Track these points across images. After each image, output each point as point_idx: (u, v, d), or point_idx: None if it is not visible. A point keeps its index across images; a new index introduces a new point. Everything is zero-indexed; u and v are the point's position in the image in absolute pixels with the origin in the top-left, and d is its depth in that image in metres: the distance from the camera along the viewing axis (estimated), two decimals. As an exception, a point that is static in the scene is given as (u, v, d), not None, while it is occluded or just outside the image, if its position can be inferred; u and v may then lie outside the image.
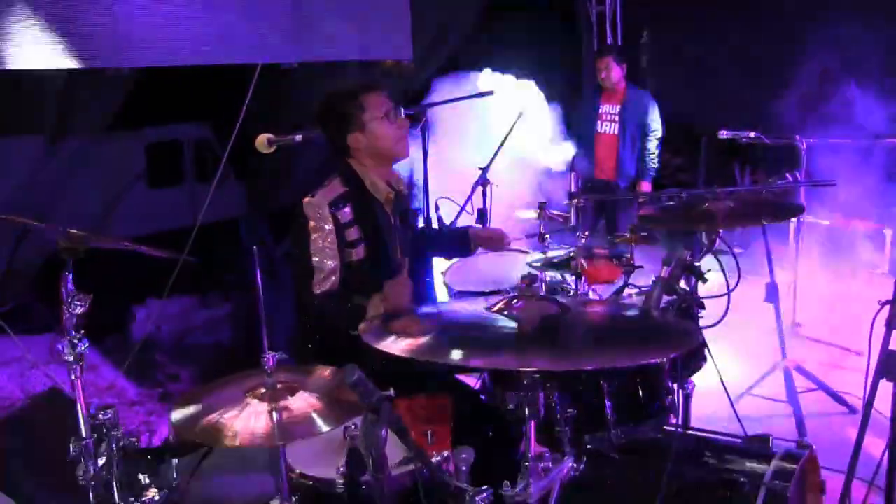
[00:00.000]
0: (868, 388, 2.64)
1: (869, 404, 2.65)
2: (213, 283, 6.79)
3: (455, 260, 4.13)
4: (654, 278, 2.61)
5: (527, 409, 2.09)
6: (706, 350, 2.87)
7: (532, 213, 4.03)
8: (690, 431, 2.82)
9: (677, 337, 2.19)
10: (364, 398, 1.56)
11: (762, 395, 4.62)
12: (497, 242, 3.56)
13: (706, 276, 2.72)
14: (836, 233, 7.34)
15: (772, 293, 4.43)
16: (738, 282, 2.85)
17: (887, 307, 2.70)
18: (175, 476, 2.37)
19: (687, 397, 3.17)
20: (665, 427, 2.63)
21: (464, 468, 2.12)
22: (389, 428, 1.58)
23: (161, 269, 5.15)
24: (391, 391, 1.62)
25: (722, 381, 2.92)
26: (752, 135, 5.41)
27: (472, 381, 3.30)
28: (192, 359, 5.90)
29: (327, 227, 2.92)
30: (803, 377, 4.66)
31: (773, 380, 4.58)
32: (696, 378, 2.96)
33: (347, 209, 2.97)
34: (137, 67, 4.60)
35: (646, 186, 6.42)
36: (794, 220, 7.10)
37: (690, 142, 8.11)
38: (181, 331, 6.36)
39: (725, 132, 5.41)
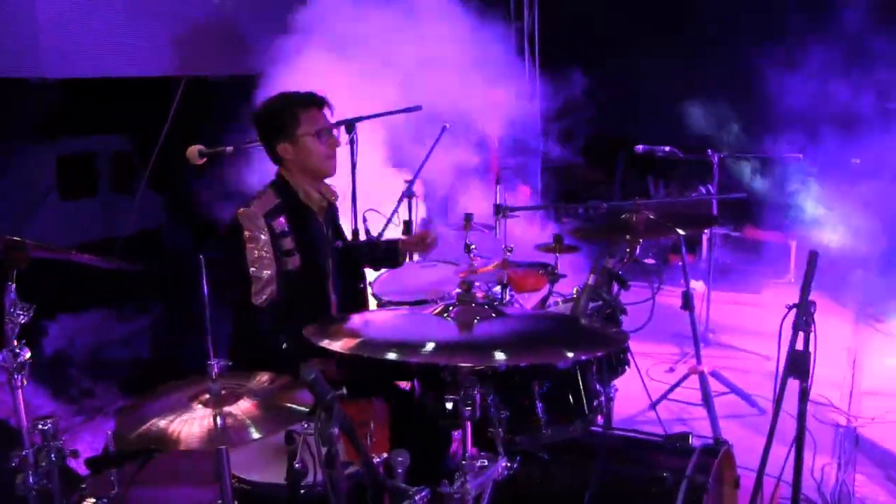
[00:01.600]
0: (777, 387, 2.80)
1: (778, 402, 2.82)
2: (131, 295, 6.68)
3: (383, 271, 4.22)
4: (577, 287, 2.74)
5: (463, 410, 2.19)
6: (629, 355, 3.02)
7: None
8: (616, 431, 2.97)
9: (602, 340, 2.32)
10: (319, 396, 1.63)
11: (679, 400, 4.83)
12: (425, 243, 3.66)
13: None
14: (746, 243, 7.70)
15: (688, 301, 4.62)
16: (658, 289, 3.00)
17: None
18: (114, 485, 2.38)
19: (609, 400, 3.34)
20: (592, 427, 2.75)
21: (399, 470, 2.21)
22: (340, 427, 1.65)
23: (75, 280, 5.05)
24: (343, 390, 1.69)
25: (645, 385, 3.07)
26: (666, 149, 5.65)
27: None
28: (109, 373, 5.80)
29: (263, 237, 2.97)
30: (717, 381, 4.91)
31: (690, 384, 4.78)
32: (619, 382, 3.09)
33: (282, 219, 3.03)
34: (60, 78, 4.55)
35: None
36: (707, 231, 7.43)
37: (611, 155, 8.36)
38: (96, 345, 6.24)
39: (641, 147, 5.62)
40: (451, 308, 2.21)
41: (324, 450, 1.64)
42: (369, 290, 4.08)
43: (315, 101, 3.16)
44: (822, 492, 3.90)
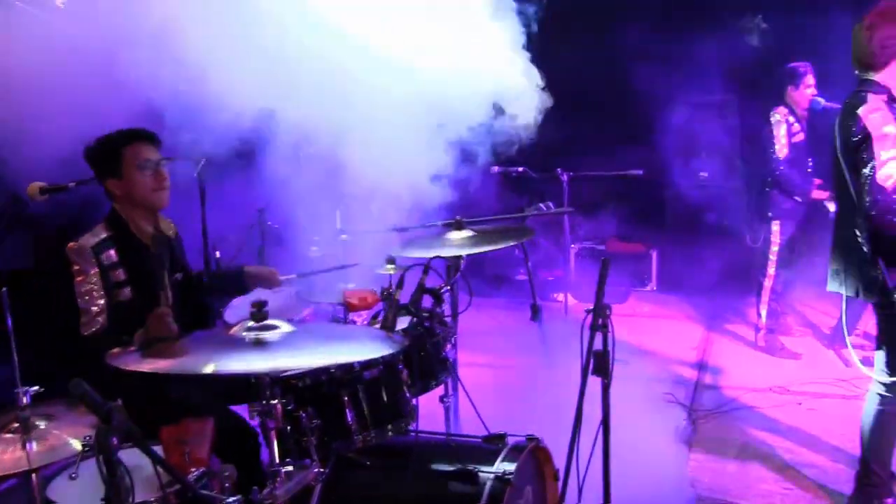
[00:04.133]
0: (581, 385, 3.05)
1: (581, 398, 3.07)
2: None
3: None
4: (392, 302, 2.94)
5: (267, 422, 2.36)
6: (448, 364, 3.24)
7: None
8: (434, 434, 3.18)
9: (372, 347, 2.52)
10: (93, 409, 1.77)
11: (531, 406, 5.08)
12: (269, 280, 3.80)
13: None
14: (610, 256, 8.04)
15: (536, 313, 4.87)
16: (469, 303, 3.23)
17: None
18: None
19: (448, 410, 3.57)
20: (411, 432, 2.95)
21: (227, 484, 2.38)
22: (122, 436, 1.78)
23: None
24: (119, 401, 1.83)
25: (466, 393, 3.29)
26: (520, 169, 5.96)
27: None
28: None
29: (91, 270, 3.08)
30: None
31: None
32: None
33: (112, 252, 3.15)
34: None
35: None
36: (574, 245, 7.78)
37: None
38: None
39: (497, 168, 5.90)
40: (248, 326, 2.38)
41: (102, 461, 1.77)
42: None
43: (139, 136, 3.29)
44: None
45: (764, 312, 6.41)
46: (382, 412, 2.80)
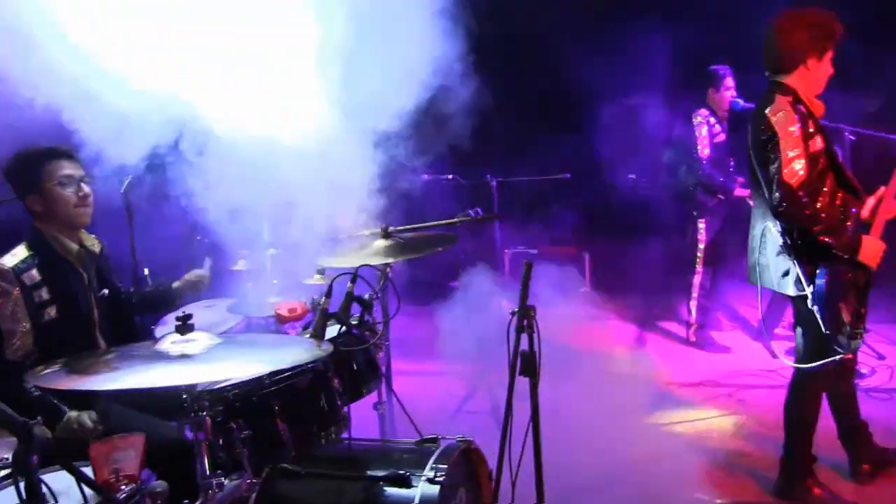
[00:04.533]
0: (509, 386, 3.12)
1: (510, 398, 3.13)
2: None
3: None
4: (321, 311, 2.97)
5: (197, 434, 2.37)
6: (379, 371, 3.28)
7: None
8: (368, 441, 3.21)
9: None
10: (10, 427, 1.77)
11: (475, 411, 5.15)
12: (198, 283, 3.81)
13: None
14: (544, 259, 8.16)
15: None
16: (398, 309, 3.27)
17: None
18: None
19: (383, 417, 3.60)
20: (345, 439, 2.98)
21: (159, 501, 2.38)
22: (40, 453, 1.78)
23: None
24: (39, 419, 1.83)
25: (398, 399, 3.33)
26: (449, 176, 6.03)
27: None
28: None
29: (13, 291, 3.05)
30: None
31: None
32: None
33: (34, 272, 3.12)
34: None
35: None
36: (507, 251, 7.86)
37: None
38: None
39: (426, 175, 5.96)
40: (174, 340, 2.39)
41: (21, 480, 1.76)
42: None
43: (59, 153, 3.27)
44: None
45: (694, 309, 6.58)
46: (314, 420, 2.83)
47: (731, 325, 7.03)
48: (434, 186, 6.11)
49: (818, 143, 3.58)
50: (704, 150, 6.17)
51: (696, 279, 6.53)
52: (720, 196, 6.26)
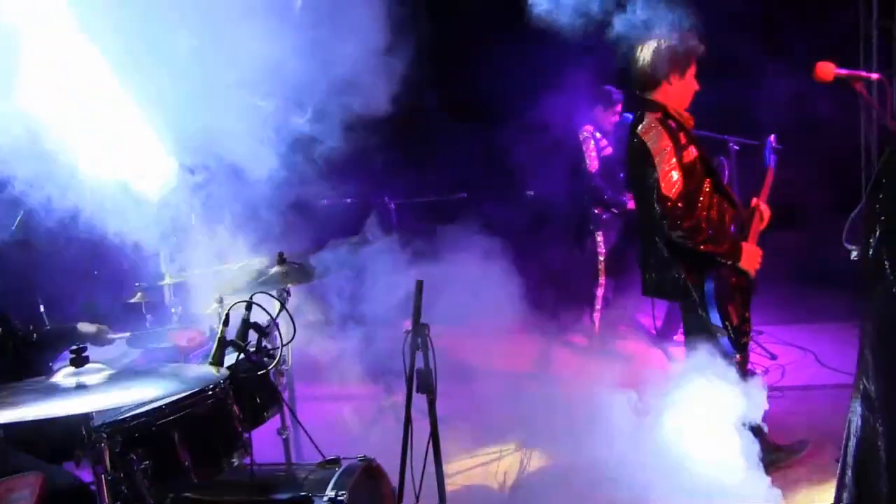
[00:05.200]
0: (406, 403, 3.21)
1: (408, 414, 3.22)
2: None
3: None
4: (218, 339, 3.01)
5: (95, 468, 2.39)
6: (279, 396, 3.33)
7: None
8: (271, 465, 3.26)
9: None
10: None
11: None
12: (98, 338, 3.78)
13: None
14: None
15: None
16: (293, 335, 3.33)
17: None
18: None
19: (287, 442, 3.64)
20: (247, 464, 3.02)
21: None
22: None
23: None
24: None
25: (299, 423, 3.38)
26: (348, 200, 6.13)
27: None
28: None
29: None
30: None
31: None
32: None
33: None
34: None
35: None
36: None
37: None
38: None
39: (326, 200, 6.04)
40: (68, 372, 2.40)
41: None
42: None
43: None
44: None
45: (597, 319, 6.79)
46: (215, 447, 2.86)
47: (632, 333, 7.24)
48: (333, 210, 6.17)
49: (692, 152, 3.79)
50: (593, 164, 6.41)
51: (599, 291, 6.75)
52: (613, 210, 6.49)
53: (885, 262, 1.37)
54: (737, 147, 6.02)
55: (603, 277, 6.69)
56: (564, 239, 7.36)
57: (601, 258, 6.67)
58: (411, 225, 6.39)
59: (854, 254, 1.50)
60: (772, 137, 4.26)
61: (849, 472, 1.53)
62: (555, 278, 7.71)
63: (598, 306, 6.77)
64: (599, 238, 6.63)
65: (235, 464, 2.92)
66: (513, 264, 8.06)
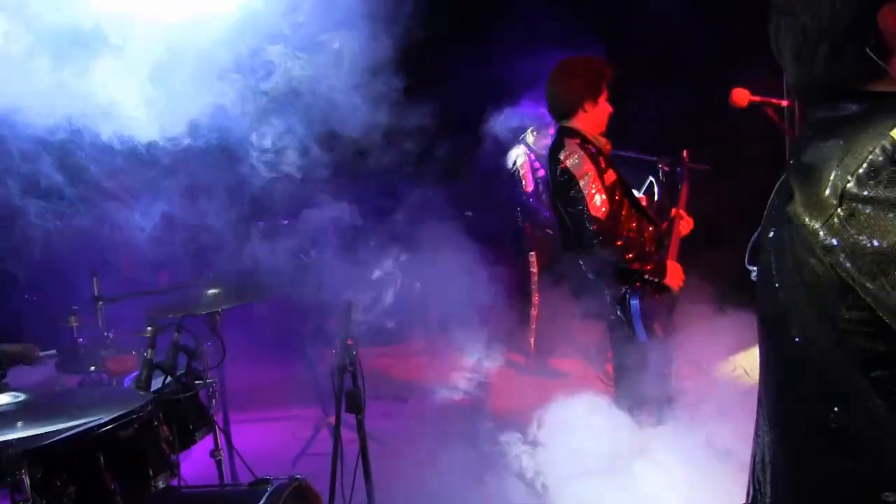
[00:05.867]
0: (335, 423, 3.26)
1: (336, 434, 3.27)
2: None
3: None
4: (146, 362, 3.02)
5: (14, 496, 2.39)
6: (210, 418, 3.35)
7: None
8: (201, 487, 3.27)
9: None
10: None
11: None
12: (26, 356, 3.76)
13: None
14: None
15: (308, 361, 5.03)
16: (223, 357, 3.35)
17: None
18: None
19: (220, 464, 3.65)
20: (174, 487, 3.03)
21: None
22: None
23: None
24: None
25: (230, 444, 3.40)
26: (285, 222, 6.15)
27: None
28: None
29: None
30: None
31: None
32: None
33: None
34: None
35: None
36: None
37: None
38: None
39: (262, 223, 6.06)
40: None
41: None
42: None
43: None
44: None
45: (532, 339, 6.89)
46: (142, 470, 2.86)
47: (569, 352, 7.35)
48: (269, 232, 6.19)
49: (612, 175, 3.94)
50: (529, 185, 6.52)
51: (533, 311, 6.85)
52: (548, 230, 6.60)
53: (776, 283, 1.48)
54: (666, 168, 6.17)
55: (537, 297, 6.80)
56: (502, 259, 7.45)
57: (535, 278, 6.78)
58: (350, 245, 6.44)
59: (753, 274, 1.59)
60: (684, 153, 4.43)
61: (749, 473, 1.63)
62: (493, 297, 7.81)
63: (532, 326, 6.88)
64: (532, 258, 6.74)
65: (163, 486, 2.92)
66: (450, 284, 8.18)
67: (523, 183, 6.54)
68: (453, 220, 8.13)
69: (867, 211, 1.20)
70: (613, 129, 4.20)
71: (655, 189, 6.10)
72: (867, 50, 1.30)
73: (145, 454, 2.89)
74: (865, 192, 1.20)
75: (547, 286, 6.77)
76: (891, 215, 1.18)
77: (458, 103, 7.68)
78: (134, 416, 2.83)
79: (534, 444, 4.58)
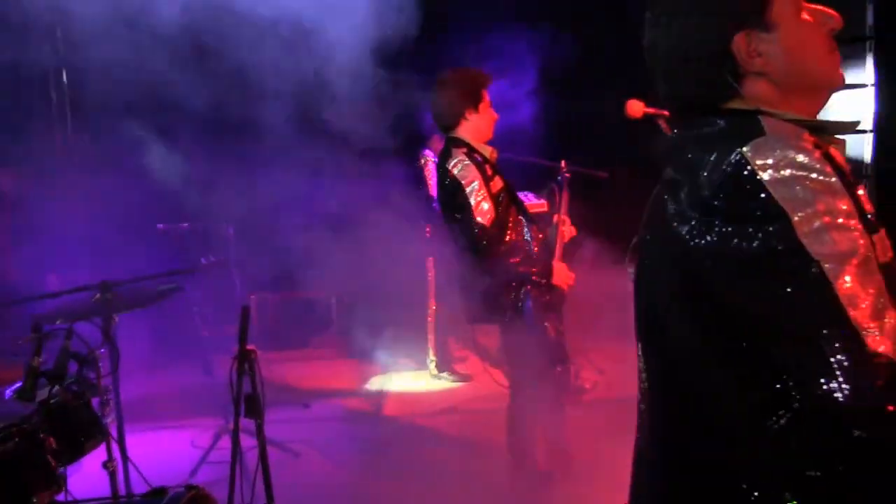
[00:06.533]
0: (234, 428, 3.20)
1: (235, 438, 3.22)
2: None
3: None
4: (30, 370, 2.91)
5: None
6: (102, 428, 3.24)
7: None
8: (95, 500, 3.17)
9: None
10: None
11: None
12: None
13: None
14: (294, 304, 8.29)
15: (207, 367, 4.95)
16: (116, 365, 3.26)
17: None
18: None
19: (113, 474, 3.53)
20: (59, 499, 2.92)
21: None
22: None
23: None
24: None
25: (124, 454, 3.31)
26: (185, 225, 6.04)
27: None
28: None
29: None
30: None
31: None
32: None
33: None
34: None
35: None
36: (253, 296, 7.86)
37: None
38: None
39: (162, 226, 5.95)
40: None
41: None
42: None
43: None
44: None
45: (431, 343, 6.93)
46: (25, 484, 2.76)
47: (468, 355, 7.41)
48: (169, 236, 6.06)
49: (498, 183, 4.01)
50: (432, 190, 6.55)
51: (431, 317, 6.90)
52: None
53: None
54: (568, 175, 6.27)
55: (433, 301, 6.85)
56: (404, 264, 7.45)
57: (431, 283, 6.83)
58: (255, 249, 6.34)
59: (631, 274, 1.68)
60: (562, 162, 4.53)
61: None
62: (394, 303, 7.81)
63: (430, 331, 6.94)
64: (429, 264, 6.78)
65: (49, 500, 2.82)
66: (354, 290, 8.15)
67: (429, 185, 6.59)
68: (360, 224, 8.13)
69: (718, 220, 1.30)
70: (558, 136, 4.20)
71: (557, 195, 6.22)
72: (725, 73, 1.44)
73: (28, 468, 2.80)
74: (716, 203, 1.31)
75: (445, 292, 6.81)
76: (740, 225, 1.28)
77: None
78: (14, 430, 2.73)
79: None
